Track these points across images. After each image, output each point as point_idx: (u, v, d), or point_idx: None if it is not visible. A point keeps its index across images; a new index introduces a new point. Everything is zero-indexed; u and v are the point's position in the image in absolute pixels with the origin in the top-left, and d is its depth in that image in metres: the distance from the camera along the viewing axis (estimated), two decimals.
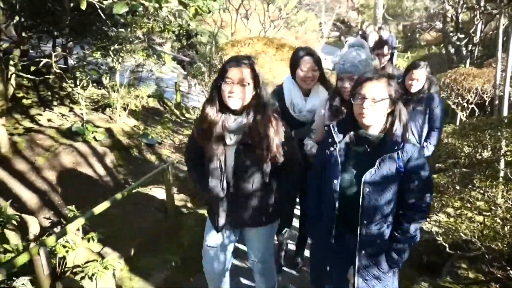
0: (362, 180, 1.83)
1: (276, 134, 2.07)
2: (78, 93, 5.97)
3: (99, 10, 4.40)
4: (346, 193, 1.91)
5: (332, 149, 1.93)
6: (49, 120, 5.90)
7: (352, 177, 1.90)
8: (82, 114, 6.04)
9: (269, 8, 9.03)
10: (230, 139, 2.07)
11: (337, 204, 1.93)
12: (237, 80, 1.98)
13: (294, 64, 2.89)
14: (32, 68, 4.77)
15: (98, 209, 3.04)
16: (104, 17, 5.04)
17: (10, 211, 3.62)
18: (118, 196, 3.29)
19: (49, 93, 6.60)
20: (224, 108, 2.05)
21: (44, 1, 4.48)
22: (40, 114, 5.99)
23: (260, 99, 2.07)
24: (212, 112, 2.04)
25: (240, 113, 2.06)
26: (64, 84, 6.58)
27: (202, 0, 3.72)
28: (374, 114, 1.83)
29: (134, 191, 3.95)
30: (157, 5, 3.40)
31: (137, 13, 3.17)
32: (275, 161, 2.12)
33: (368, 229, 1.90)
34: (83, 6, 3.19)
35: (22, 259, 2.41)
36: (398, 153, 1.85)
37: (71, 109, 6.42)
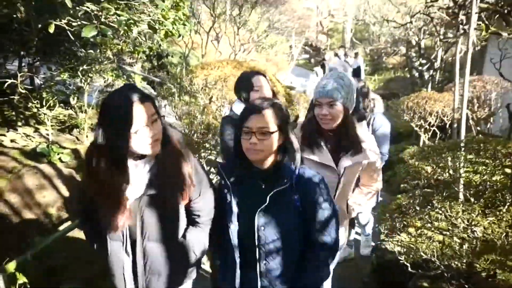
0: (255, 219, 1.71)
1: (190, 171, 1.79)
2: (44, 114, 5.86)
3: (68, 31, 4.40)
4: (244, 236, 1.78)
5: (225, 191, 1.78)
6: (12, 140, 5.75)
7: (248, 218, 1.75)
8: (47, 134, 5.92)
9: (239, 32, 9.19)
10: (133, 192, 1.73)
11: (237, 252, 1.79)
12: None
13: (246, 87, 2.88)
14: (19, 85, 4.69)
15: (61, 233, 2.98)
16: (73, 38, 5.02)
17: None
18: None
19: (14, 113, 6.44)
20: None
21: (10, 21, 4.43)
22: (3, 135, 5.83)
23: (165, 131, 1.75)
24: (104, 161, 1.66)
25: (142, 157, 1.72)
26: (30, 104, 6.45)
27: (171, 24, 3.79)
28: (264, 149, 1.69)
29: None
30: (126, 28, 3.45)
31: (106, 36, 3.20)
32: (189, 206, 1.86)
33: (268, 268, 1.78)
34: (51, 30, 3.20)
35: None
36: (292, 186, 1.71)
37: (36, 130, 6.28)
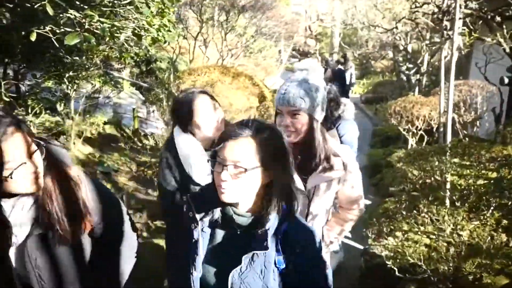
0: (229, 279, 1.29)
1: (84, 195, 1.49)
2: (30, 121, 5.80)
3: (52, 38, 4.35)
4: None
5: (192, 226, 1.36)
6: None
7: (218, 270, 1.36)
8: None
9: (226, 37, 9.20)
10: (20, 234, 1.42)
11: None
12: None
13: (188, 111, 2.21)
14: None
15: None
16: (57, 45, 4.97)
17: None
18: None
19: None
20: None
21: None
22: None
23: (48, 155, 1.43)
24: None
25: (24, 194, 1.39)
26: (15, 112, 6.38)
27: (156, 30, 3.78)
28: (238, 189, 1.26)
29: None
30: (109, 35, 3.43)
31: (90, 43, 3.17)
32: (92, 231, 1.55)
33: None
34: (33, 38, 3.17)
35: None
36: (277, 246, 1.30)
37: None
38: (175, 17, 7.52)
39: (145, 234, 4.39)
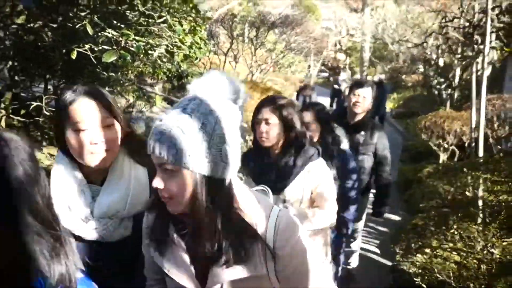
0: None
1: None
2: None
3: (90, 55, 4.57)
4: None
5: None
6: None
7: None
8: None
9: (256, 53, 9.37)
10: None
11: None
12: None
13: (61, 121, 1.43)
14: (23, 112, 4.90)
15: None
16: (95, 62, 5.22)
17: None
18: None
19: (39, 133, 6.68)
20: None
21: (36, 47, 4.65)
22: None
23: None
24: None
25: None
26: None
27: (188, 48, 3.93)
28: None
29: None
30: (144, 52, 3.59)
31: (126, 60, 3.34)
32: None
33: None
34: (73, 56, 3.37)
35: None
36: None
37: None
38: (206, 33, 7.74)
39: None
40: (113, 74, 6.38)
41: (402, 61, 13.62)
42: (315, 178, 2.18)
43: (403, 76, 16.72)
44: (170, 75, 10.82)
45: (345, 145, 2.88)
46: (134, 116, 8.25)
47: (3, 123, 5.12)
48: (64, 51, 4.54)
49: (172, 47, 3.78)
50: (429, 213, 3.69)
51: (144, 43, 3.48)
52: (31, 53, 4.97)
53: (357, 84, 3.36)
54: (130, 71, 7.02)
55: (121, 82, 6.93)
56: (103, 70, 6.22)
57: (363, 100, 3.26)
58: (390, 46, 12.68)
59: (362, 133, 3.32)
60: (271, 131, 2.10)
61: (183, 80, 12.02)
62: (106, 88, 6.44)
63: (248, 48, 9.55)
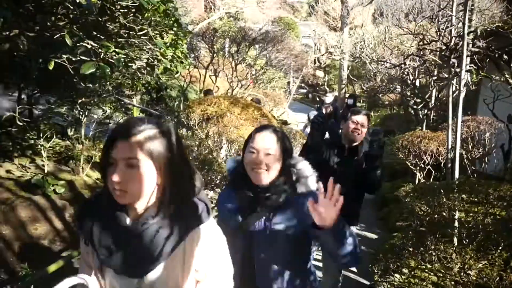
0: None
1: None
2: (41, 145, 5.89)
3: (67, 66, 4.46)
4: None
5: None
6: (8, 171, 5.73)
7: None
8: (43, 166, 5.92)
9: (237, 68, 9.38)
10: None
11: None
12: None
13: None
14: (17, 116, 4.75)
15: (52, 267, 2.95)
16: (72, 72, 5.11)
17: None
18: (75, 253, 3.21)
19: (10, 143, 6.45)
20: None
21: (12, 56, 4.51)
22: (0, 166, 5.83)
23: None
24: None
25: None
26: (27, 135, 6.50)
27: (169, 61, 3.88)
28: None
29: None
30: (123, 65, 3.52)
31: (105, 72, 3.26)
32: None
33: None
34: (51, 67, 3.27)
35: None
36: None
37: (32, 161, 6.27)
38: (187, 47, 7.73)
39: None
40: (90, 85, 6.26)
41: (379, 81, 13.87)
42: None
43: (380, 95, 17.02)
44: (149, 87, 10.72)
45: None
46: (111, 128, 8.11)
47: None
48: (40, 60, 4.43)
49: (153, 60, 3.73)
50: (407, 232, 3.71)
51: (124, 56, 3.41)
52: (7, 61, 4.84)
53: (355, 112, 3.43)
54: (108, 83, 6.91)
55: (99, 93, 6.81)
56: (81, 80, 6.10)
57: (361, 127, 3.36)
58: (368, 65, 12.91)
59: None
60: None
61: (162, 93, 11.93)
62: (83, 99, 6.31)
63: (229, 63, 9.56)
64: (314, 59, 24.33)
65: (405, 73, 9.56)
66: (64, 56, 3.43)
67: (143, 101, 12.13)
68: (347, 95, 20.37)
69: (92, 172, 6.42)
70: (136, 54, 3.69)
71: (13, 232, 4.36)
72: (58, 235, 4.59)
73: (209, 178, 4.72)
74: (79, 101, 6.28)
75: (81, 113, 6.41)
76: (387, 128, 12.62)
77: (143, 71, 6.29)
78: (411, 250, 3.26)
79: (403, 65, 8.56)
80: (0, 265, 4.03)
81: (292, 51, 11.48)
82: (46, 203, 4.83)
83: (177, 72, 4.46)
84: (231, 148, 5.09)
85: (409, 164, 6.64)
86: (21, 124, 5.33)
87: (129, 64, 3.52)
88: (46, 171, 5.75)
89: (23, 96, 6.52)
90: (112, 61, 3.40)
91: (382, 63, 9.91)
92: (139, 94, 11.95)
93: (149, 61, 3.70)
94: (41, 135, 5.94)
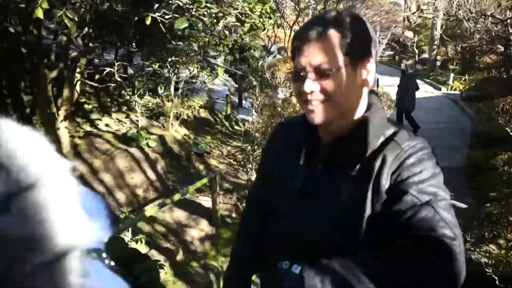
0: None
1: None
2: (135, 101, 6.27)
3: (160, 24, 4.63)
4: None
5: None
6: (107, 125, 6.24)
7: None
8: (137, 121, 6.33)
9: None
10: None
11: None
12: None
13: None
14: (97, 76, 5.08)
15: (149, 212, 3.19)
16: (164, 31, 5.29)
17: None
18: (168, 201, 3.43)
19: (109, 99, 6.98)
20: None
21: (112, 14, 4.77)
22: (99, 119, 6.35)
23: None
24: None
25: None
26: (122, 92, 6.98)
27: (257, 17, 3.85)
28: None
29: (181, 197, 4.09)
30: (215, 21, 3.57)
31: (195, 28, 3.33)
32: None
33: None
34: (148, 22, 3.41)
35: None
36: None
37: (127, 116, 6.75)
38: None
39: (233, 215, 4.56)
40: (180, 43, 6.47)
41: (477, 40, 12.64)
42: None
43: (477, 57, 15.60)
44: (233, 48, 10.84)
45: None
46: (197, 87, 8.39)
47: (77, 88, 5.38)
48: (136, 18, 4.63)
49: (241, 16, 3.72)
50: (505, 201, 3.45)
51: (215, 11, 3.45)
52: (106, 19, 5.13)
53: None
54: (196, 42, 7.09)
55: (187, 52, 7.03)
56: (172, 39, 6.32)
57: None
58: (465, 23, 11.79)
59: None
60: None
61: (245, 53, 12.01)
62: (173, 58, 6.57)
63: None
64: (404, 18, 22.78)
65: (510, 31, 8.61)
66: (157, 13, 3.55)
67: (227, 62, 12.33)
68: (438, 57, 18.95)
69: (180, 128, 6.75)
70: (226, 9, 3.70)
71: (113, 179, 4.77)
72: (151, 185, 4.94)
73: None
74: (169, 59, 6.54)
75: (170, 71, 6.69)
76: (483, 93, 11.61)
77: (228, 31, 6.36)
78: (510, 219, 3.03)
79: (509, 20, 7.68)
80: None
81: (382, 7, 10.81)
82: (140, 155, 5.19)
83: (264, 29, 4.43)
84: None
85: (509, 130, 6.08)
86: (118, 80, 5.70)
87: (219, 19, 3.55)
88: (140, 126, 6.15)
89: (119, 55, 6.95)
90: (204, 18, 3.45)
91: (483, 19, 8.98)
92: (223, 54, 12.14)
93: (238, 17, 3.70)
94: (135, 92, 6.34)
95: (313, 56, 0.92)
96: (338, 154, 1.00)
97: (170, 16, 3.66)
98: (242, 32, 5.06)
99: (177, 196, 3.61)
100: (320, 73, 0.92)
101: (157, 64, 6.20)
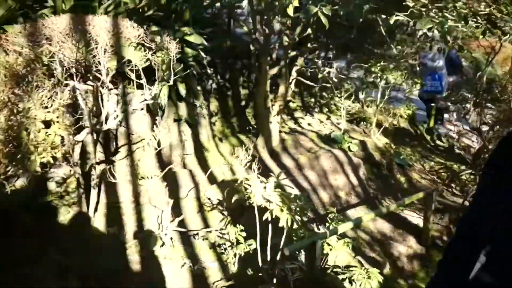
0: None
1: None
2: (341, 104, 6.30)
3: (381, 27, 4.48)
4: None
5: None
6: (309, 124, 6.42)
7: None
8: (338, 123, 6.34)
9: None
10: None
11: None
12: None
13: None
14: (320, 76, 5.26)
15: (366, 217, 3.09)
16: (384, 33, 5.14)
17: None
18: (384, 209, 3.29)
19: (312, 100, 7.18)
20: None
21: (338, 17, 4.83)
22: (302, 118, 6.60)
23: None
24: None
25: None
26: (324, 94, 7.12)
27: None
28: None
29: (395, 209, 3.88)
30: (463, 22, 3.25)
31: (439, 30, 3.09)
32: None
33: None
34: (392, 20, 3.29)
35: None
36: None
37: (328, 117, 6.83)
38: None
39: (445, 237, 4.13)
40: (399, 47, 6.24)
41: None
42: None
43: None
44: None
45: None
46: (398, 96, 8.01)
47: (292, 86, 5.66)
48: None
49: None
50: None
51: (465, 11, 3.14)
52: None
53: None
54: (406, 47, 6.75)
55: (397, 58, 6.73)
56: (391, 43, 6.11)
57: None
58: None
59: None
60: None
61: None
62: (381, 63, 6.36)
63: None
64: None
65: None
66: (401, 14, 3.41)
67: None
68: None
69: (380, 136, 6.51)
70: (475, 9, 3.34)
71: (317, 178, 4.84)
72: (353, 189, 4.85)
73: None
74: (378, 65, 6.35)
75: (377, 77, 6.49)
76: None
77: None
78: None
79: None
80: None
81: None
82: (344, 158, 5.15)
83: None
84: None
85: None
86: (326, 85, 5.80)
87: (468, 19, 3.22)
88: (342, 129, 6.15)
89: (321, 58, 7.08)
90: (452, 18, 3.18)
91: None
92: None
93: (491, 18, 3.30)
94: (338, 95, 6.37)
95: None
96: None
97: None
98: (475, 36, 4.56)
99: (393, 206, 3.42)
100: None
101: (378, 67, 6.02)
